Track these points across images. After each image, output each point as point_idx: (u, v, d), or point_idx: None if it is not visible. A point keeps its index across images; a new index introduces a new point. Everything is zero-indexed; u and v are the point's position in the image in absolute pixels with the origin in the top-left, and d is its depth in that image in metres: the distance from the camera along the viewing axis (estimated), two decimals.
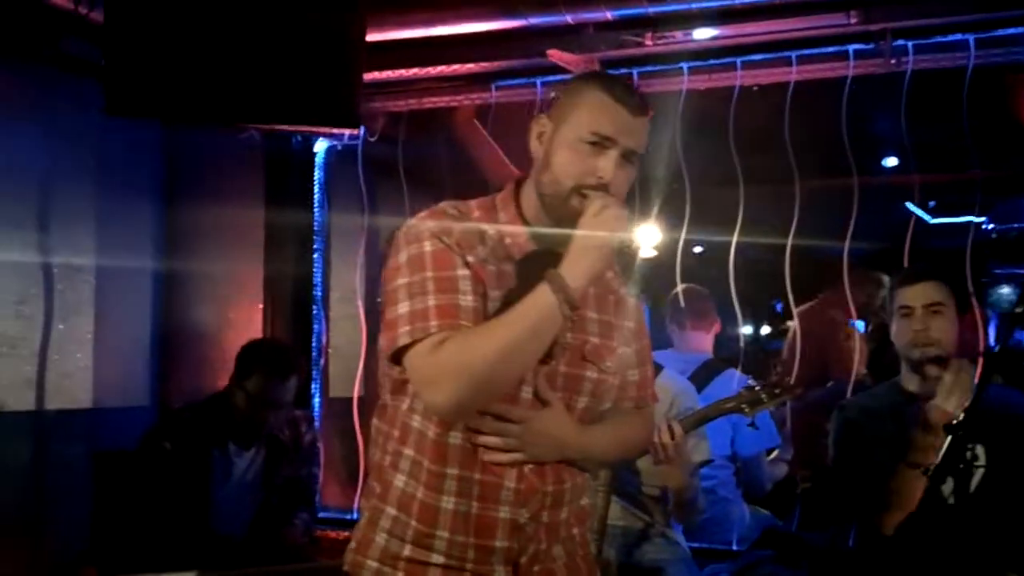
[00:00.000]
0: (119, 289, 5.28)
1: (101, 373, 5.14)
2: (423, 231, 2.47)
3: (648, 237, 6.55)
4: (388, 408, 2.58)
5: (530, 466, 2.51)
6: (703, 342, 5.49)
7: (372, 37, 4.66)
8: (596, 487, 3.94)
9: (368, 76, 4.97)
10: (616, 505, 4.12)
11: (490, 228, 2.53)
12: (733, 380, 4.89)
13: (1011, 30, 4.46)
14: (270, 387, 4.56)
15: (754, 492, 5.39)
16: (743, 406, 4.02)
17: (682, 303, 5.40)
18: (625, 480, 4.16)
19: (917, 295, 3.67)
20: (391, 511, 2.52)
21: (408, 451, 2.51)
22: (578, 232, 2.38)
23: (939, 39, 4.56)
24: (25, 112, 4.84)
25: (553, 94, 2.47)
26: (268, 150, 5.70)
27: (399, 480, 2.51)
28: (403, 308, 2.41)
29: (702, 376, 5.06)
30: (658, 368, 4.37)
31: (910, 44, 4.56)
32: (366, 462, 2.69)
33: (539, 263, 2.47)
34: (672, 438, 3.88)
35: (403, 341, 2.39)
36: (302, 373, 4.69)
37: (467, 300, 2.40)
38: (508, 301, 2.43)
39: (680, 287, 5.51)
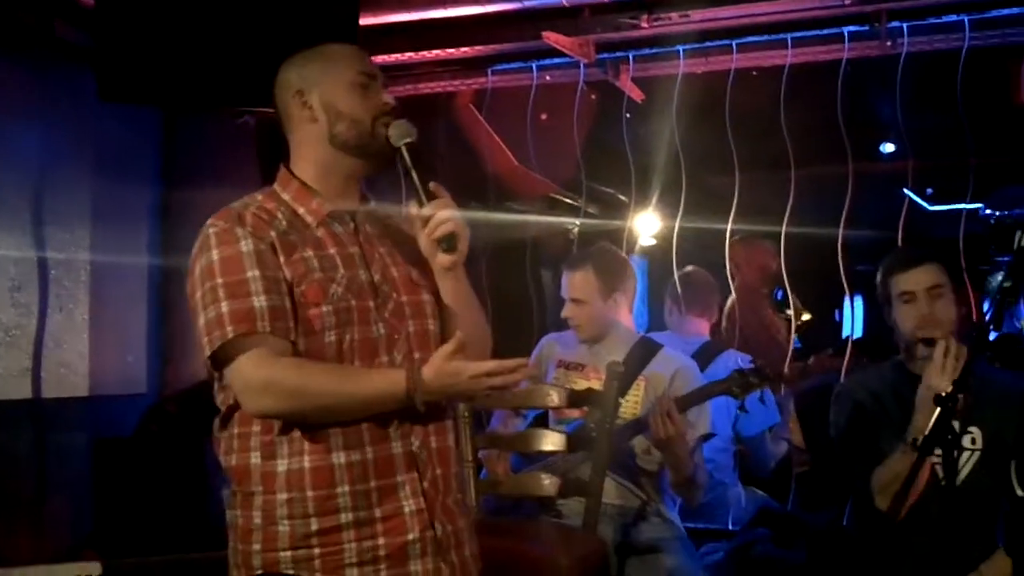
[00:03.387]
0: (116, 277, 5.27)
1: (98, 361, 5.13)
2: (210, 237, 2.55)
3: (648, 225, 6.60)
4: (235, 414, 2.61)
5: None
6: (700, 327, 5.49)
7: (367, 21, 4.67)
8: (591, 464, 3.96)
9: None
10: (612, 483, 4.13)
11: (280, 207, 2.62)
12: (732, 360, 4.89)
13: (1006, 11, 4.47)
14: None
15: (758, 471, 5.41)
16: (734, 389, 4.04)
17: (680, 288, 5.41)
18: (621, 459, 4.16)
19: (918, 280, 3.64)
20: (282, 497, 2.51)
21: (280, 436, 2.53)
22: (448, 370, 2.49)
23: (934, 20, 4.57)
24: (20, 100, 4.83)
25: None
26: (262, 135, 5.69)
27: (280, 466, 2.52)
28: (201, 320, 2.51)
29: (701, 358, 5.06)
30: (657, 346, 4.38)
31: (905, 25, 4.57)
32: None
33: (338, 220, 2.65)
34: (671, 419, 3.89)
35: (207, 353, 2.51)
36: None
37: (260, 301, 2.48)
38: (322, 257, 2.57)
39: (687, 268, 5.52)
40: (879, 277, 3.77)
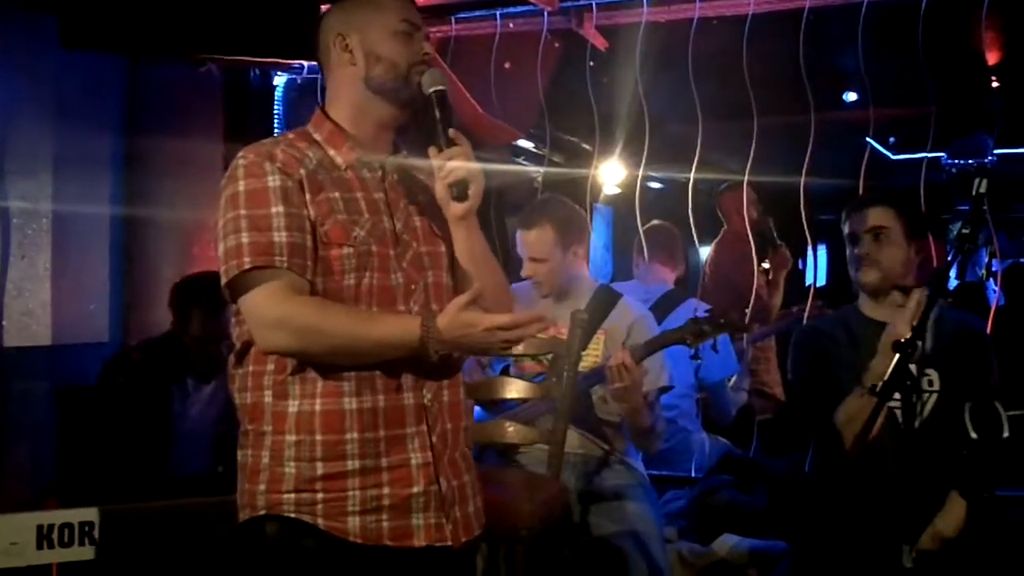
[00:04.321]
0: (78, 226, 5.24)
1: (61, 310, 5.11)
2: (238, 168, 2.57)
3: (612, 174, 6.61)
4: (250, 351, 2.62)
5: None
6: (665, 276, 5.52)
7: None
8: (553, 413, 3.98)
9: (325, 7, 4.95)
10: (574, 433, 4.14)
11: (311, 147, 2.66)
12: (691, 309, 4.91)
13: None
14: (209, 323, 4.53)
15: (720, 419, 5.46)
16: (687, 337, 4.05)
17: (644, 238, 5.43)
18: (583, 408, 4.18)
19: (862, 220, 3.71)
20: (291, 438, 2.53)
21: (292, 376, 2.55)
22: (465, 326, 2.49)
23: None
24: None
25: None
26: (227, 84, 5.66)
27: (291, 406, 2.54)
28: (221, 248, 2.54)
29: (663, 307, 5.10)
30: (616, 296, 4.39)
31: None
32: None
33: (366, 166, 2.69)
34: (626, 367, 3.91)
35: (223, 281, 2.53)
36: None
37: (281, 236, 2.50)
38: (347, 200, 2.61)
39: (652, 223, 5.55)
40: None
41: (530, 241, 4.31)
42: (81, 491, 4.47)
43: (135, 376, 4.53)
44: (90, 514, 3.56)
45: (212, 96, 5.67)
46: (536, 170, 6.62)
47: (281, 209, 2.51)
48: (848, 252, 3.75)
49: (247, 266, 2.48)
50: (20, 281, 4.96)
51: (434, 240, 2.73)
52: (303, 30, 4.58)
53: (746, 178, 5.11)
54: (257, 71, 5.59)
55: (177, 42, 4.51)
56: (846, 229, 3.76)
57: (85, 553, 3.52)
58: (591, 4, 4.97)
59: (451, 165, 2.62)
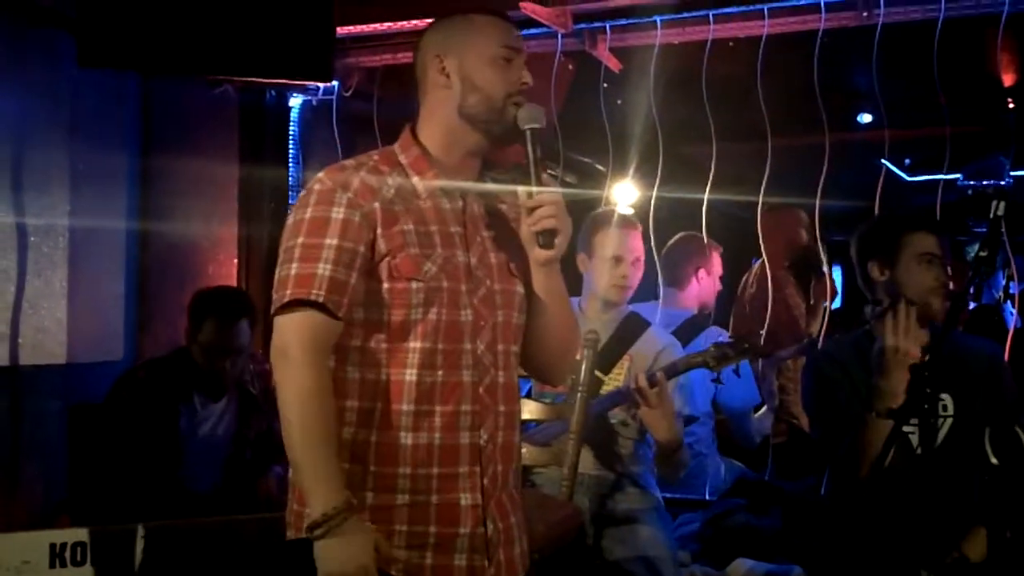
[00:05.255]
0: (94, 244, 5.24)
1: (76, 328, 5.10)
2: (312, 193, 2.54)
3: (625, 195, 6.60)
4: None
5: (484, 388, 2.58)
6: (686, 301, 5.49)
7: None
8: (568, 435, 3.97)
9: (342, 30, 4.99)
10: (589, 454, 4.14)
11: (394, 171, 2.61)
12: (714, 336, 4.89)
13: None
14: (221, 334, 4.53)
15: (744, 446, 5.43)
16: (710, 361, 4.05)
17: (659, 266, 5.41)
18: (601, 430, 4.18)
19: (936, 242, 3.63)
20: (343, 465, 2.49)
21: (351, 402, 2.52)
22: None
23: None
24: None
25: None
26: (243, 105, 5.69)
27: (346, 433, 2.51)
28: (277, 275, 2.52)
29: (686, 333, 5.07)
30: (645, 324, 4.39)
31: None
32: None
33: (447, 196, 2.63)
34: (652, 386, 3.90)
35: (272, 309, 2.50)
36: (255, 316, 4.65)
37: (325, 269, 2.45)
38: (422, 233, 2.55)
39: (678, 235, 5.52)
40: (857, 244, 3.77)
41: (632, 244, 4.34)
42: (93, 509, 4.49)
43: (140, 394, 4.53)
44: (103, 533, 3.56)
45: (228, 116, 5.69)
46: (550, 191, 6.60)
47: (335, 242, 2.47)
48: (918, 270, 3.64)
49: (287, 299, 2.45)
50: (35, 299, 4.96)
51: (509, 279, 2.68)
52: (319, 52, 4.66)
53: (760, 199, 5.08)
54: (273, 92, 5.61)
55: (193, 62, 4.51)
56: (920, 247, 3.63)
57: (96, 572, 3.52)
58: (605, 26, 4.97)
59: (540, 213, 2.56)
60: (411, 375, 2.52)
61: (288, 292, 2.45)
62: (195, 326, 4.56)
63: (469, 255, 2.61)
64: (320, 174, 2.58)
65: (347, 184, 2.53)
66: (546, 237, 2.57)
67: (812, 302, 6.27)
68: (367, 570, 2.38)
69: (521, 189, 2.60)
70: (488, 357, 2.61)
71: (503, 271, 2.67)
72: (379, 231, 2.51)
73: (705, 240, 5.35)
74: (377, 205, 2.53)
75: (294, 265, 2.47)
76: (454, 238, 2.60)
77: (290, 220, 2.55)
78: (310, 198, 2.53)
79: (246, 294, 5.05)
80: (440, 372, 2.54)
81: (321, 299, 2.44)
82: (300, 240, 2.49)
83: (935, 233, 3.67)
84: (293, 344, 2.45)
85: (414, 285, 2.51)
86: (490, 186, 2.72)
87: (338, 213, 2.49)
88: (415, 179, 2.61)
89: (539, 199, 2.57)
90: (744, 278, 6.46)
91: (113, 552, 3.57)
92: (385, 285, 2.51)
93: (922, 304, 3.58)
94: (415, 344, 2.53)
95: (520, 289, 2.69)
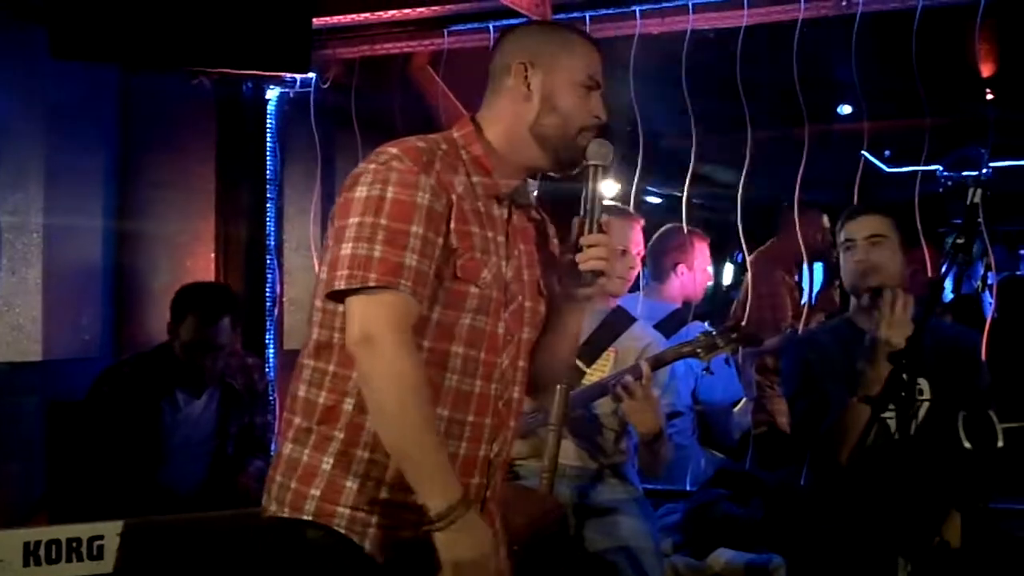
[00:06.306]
0: (69, 239, 5.22)
1: (52, 325, 5.09)
2: (392, 170, 2.40)
3: (607, 189, 6.59)
4: (336, 347, 2.48)
5: (503, 402, 2.57)
6: (670, 293, 5.49)
7: None
8: (549, 427, 3.96)
9: (319, 21, 4.96)
10: (571, 446, 4.13)
11: (460, 164, 2.53)
12: (697, 331, 4.88)
13: None
14: (202, 330, 4.52)
15: (722, 441, 5.44)
16: (699, 350, 4.04)
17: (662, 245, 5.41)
18: (583, 421, 4.17)
19: (860, 227, 3.74)
20: (363, 454, 2.44)
21: None
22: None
23: None
24: None
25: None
26: (219, 97, 5.65)
27: (370, 421, 2.44)
28: (347, 249, 2.36)
29: (669, 326, 5.06)
30: (631, 319, 4.38)
31: None
32: (293, 406, 2.58)
33: (498, 203, 2.57)
34: (638, 378, 3.89)
35: (339, 285, 2.36)
36: (238, 313, 4.63)
37: (412, 260, 2.35)
38: (482, 237, 2.49)
39: (661, 229, 5.51)
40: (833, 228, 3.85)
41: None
42: (71, 506, 4.46)
43: (121, 389, 4.51)
44: (78, 530, 3.53)
45: (205, 109, 5.66)
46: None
47: (421, 231, 2.36)
48: (844, 259, 3.76)
49: (371, 283, 2.32)
50: (10, 296, 4.93)
51: (537, 297, 2.66)
52: (296, 43, 4.63)
53: (740, 191, 5.06)
54: (250, 84, 5.57)
55: (167, 53, 4.48)
56: (842, 236, 3.79)
57: (73, 570, 3.49)
58: (584, 16, 4.95)
59: (593, 252, 2.51)
60: (450, 380, 2.48)
61: (373, 275, 2.32)
62: (177, 322, 4.55)
63: (507, 267, 2.57)
64: (392, 148, 2.44)
65: (429, 168, 2.42)
66: (591, 276, 2.54)
67: (812, 305, 6.24)
68: (491, 557, 2.38)
69: (576, 221, 2.56)
70: (510, 372, 2.59)
71: (533, 289, 2.65)
72: (452, 225, 2.44)
73: (686, 231, 5.32)
74: (454, 197, 2.45)
75: (377, 247, 2.33)
76: (500, 248, 2.55)
77: (360, 193, 2.39)
78: (390, 175, 2.39)
79: (229, 290, 5.00)
80: (478, 382, 2.52)
81: (409, 291, 2.35)
82: (383, 221, 2.35)
83: (857, 217, 3.78)
84: (385, 330, 2.32)
85: (472, 290, 2.46)
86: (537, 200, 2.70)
87: (423, 199, 2.38)
88: (475, 179, 2.54)
89: (596, 239, 2.52)
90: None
91: (90, 550, 3.54)
92: (445, 284, 2.44)
93: (849, 288, 3.77)
94: (457, 349, 2.48)
95: (543, 309, 2.68)
